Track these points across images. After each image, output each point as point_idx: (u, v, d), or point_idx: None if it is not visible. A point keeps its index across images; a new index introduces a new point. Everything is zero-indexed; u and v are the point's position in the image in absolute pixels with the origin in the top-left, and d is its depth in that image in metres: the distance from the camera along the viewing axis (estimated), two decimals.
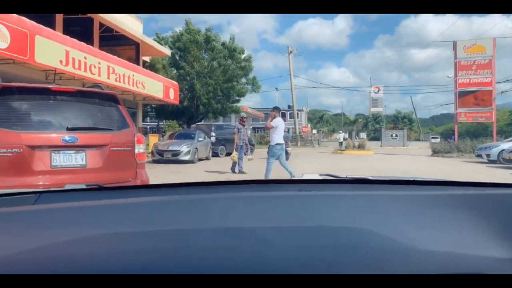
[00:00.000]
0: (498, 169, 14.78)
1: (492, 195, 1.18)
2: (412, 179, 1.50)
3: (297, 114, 44.78)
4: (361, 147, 27.41)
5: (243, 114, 12.76)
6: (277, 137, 9.43)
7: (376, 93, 69.80)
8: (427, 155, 24.60)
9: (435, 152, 24.53)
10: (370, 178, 1.57)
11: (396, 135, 40.30)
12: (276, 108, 10.08)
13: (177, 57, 26.98)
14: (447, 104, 61.69)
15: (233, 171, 11.94)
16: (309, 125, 64.48)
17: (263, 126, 67.44)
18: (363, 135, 55.19)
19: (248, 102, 76.26)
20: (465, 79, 26.79)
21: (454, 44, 27.21)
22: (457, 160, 20.19)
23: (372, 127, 71.20)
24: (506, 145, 17.78)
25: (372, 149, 27.88)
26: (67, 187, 1.43)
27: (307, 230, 1.01)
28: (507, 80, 34.99)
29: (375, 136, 55.08)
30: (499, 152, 17.37)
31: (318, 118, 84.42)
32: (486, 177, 12.16)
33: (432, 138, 53.37)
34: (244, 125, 12.40)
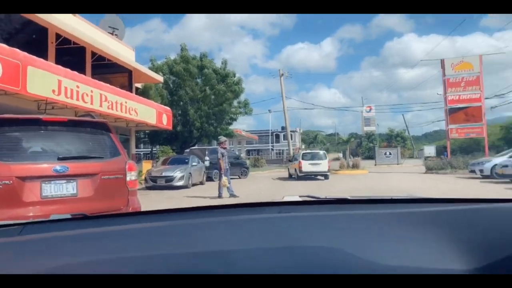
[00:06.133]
0: (492, 184, 14.86)
1: (456, 211, 1.23)
2: (389, 197, 1.55)
3: (291, 135, 45.23)
4: (355, 166, 27.63)
5: (222, 139, 13.22)
6: None
7: (368, 112, 69.75)
8: (421, 172, 24.72)
9: (429, 169, 24.66)
10: (349, 198, 1.63)
11: (390, 153, 40.71)
12: None
13: (170, 84, 27.11)
14: (438, 121, 61.92)
15: (220, 196, 12.02)
16: (303, 146, 65.42)
17: (258, 148, 68.71)
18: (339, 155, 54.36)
19: (242, 125, 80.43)
20: (454, 96, 27.13)
21: (442, 62, 27.64)
22: (451, 177, 20.27)
23: (366, 146, 71.62)
24: (498, 159, 17.89)
25: (367, 168, 28.08)
26: (52, 217, 1.45)
27: (283, 251, 1.07)
28: (496, 96, 35.52)
29: (370, 155, 55.29)
30: (492, 167, 17.45)
31: (311, 139, 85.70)
32: (480, 193, 12.21)
33: (426, 148, 53.03)
34: (226, 148, 12.62)
